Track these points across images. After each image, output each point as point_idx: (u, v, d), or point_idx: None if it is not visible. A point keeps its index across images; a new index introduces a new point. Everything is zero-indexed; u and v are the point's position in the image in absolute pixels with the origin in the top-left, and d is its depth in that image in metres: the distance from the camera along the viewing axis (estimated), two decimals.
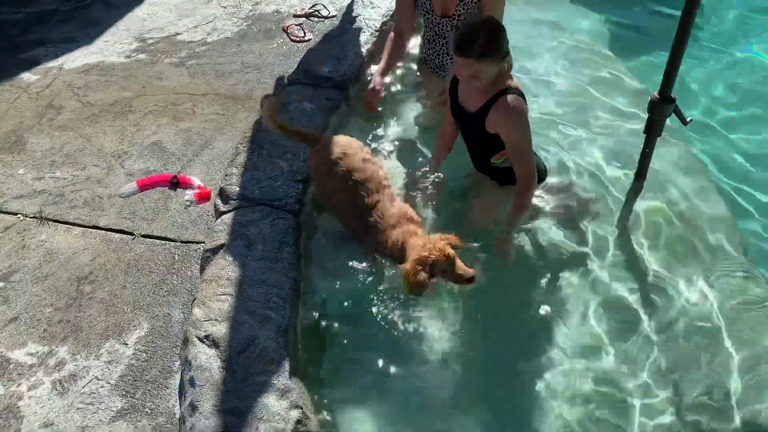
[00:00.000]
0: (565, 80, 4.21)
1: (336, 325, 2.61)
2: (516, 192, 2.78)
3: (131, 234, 3.08)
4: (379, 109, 3.59)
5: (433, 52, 3.53)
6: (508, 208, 2.81)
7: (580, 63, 4.41)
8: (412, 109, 3.85)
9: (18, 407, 2.37)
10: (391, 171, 3.23)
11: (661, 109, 2.65)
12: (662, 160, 3.36)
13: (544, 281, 2.85)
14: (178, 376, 2.41)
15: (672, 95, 2.64)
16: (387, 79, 3.74)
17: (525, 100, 2.63)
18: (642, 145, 2.90)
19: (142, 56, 4.55)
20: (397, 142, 3.56)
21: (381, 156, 3.45)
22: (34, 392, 2.42)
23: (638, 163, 2.96)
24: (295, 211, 2.90)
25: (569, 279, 2.86)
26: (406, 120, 3.81)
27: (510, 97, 2.57)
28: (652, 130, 2.78)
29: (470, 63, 2.48)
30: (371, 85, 3.45)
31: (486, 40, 2.47)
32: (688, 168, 3.42)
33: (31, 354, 2.56)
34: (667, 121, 2.75)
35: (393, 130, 3.71)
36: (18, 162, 3.62)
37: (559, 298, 2.78)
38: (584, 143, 3.65)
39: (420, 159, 3.41)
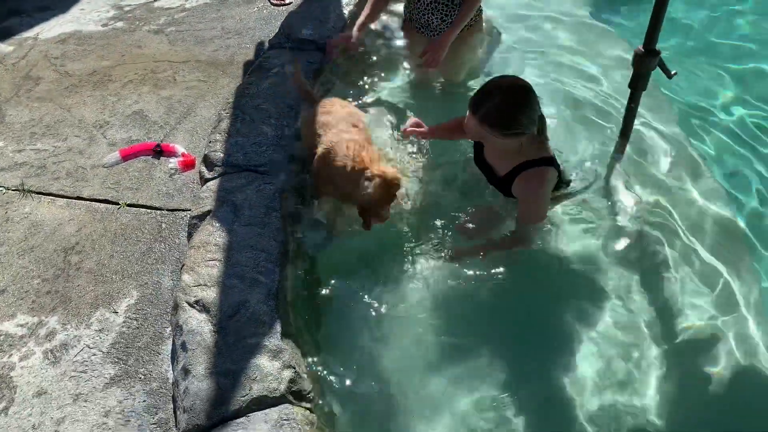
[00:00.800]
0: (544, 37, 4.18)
1: (329, 285, 2.62)
2: (503, 239, 2.67)
3: (116, 204, 3.05)
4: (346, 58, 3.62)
5: (418, 10, 3.45)
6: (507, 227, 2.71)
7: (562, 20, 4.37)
8: (395, 71, 3.81)
9: (11, 377, 2.37)
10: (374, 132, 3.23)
11: (646, 62, 2.63)
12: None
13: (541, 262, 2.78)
14: (169, 342, 2.42)
15: (656, 48, 2.62)
16: (369, 40, 3.71)
17: (557, 170, 2.47)
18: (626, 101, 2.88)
19: (119, 24, 4.45)
20: (378, 105, 3.53)
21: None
22: (25, 362, 2.42)
23: (623, 119, 2.95)
24: (277, 175, 2.88)
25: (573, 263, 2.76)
26: (388, 82, 3.78)
27: (534, 173, 2.40)
28: (637, 85, 2.76)
29: (476, 124, 2.29)
30: (344, 33, 3.47)
31: (498, 108, 2.24)
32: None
33: (21, 325, 2.55)
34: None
35: (375, 91, 3.67)
36: None
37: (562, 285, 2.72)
38: (568, 102, 3.64)
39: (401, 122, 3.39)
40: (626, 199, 2.99)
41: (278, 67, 3.54)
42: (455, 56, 3.55)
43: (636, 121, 2.96)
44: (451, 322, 2.56)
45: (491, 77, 2.39)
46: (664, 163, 3.24)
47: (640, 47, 2.65)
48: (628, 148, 3.08)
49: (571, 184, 2.82)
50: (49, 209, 3.06)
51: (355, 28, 3.45)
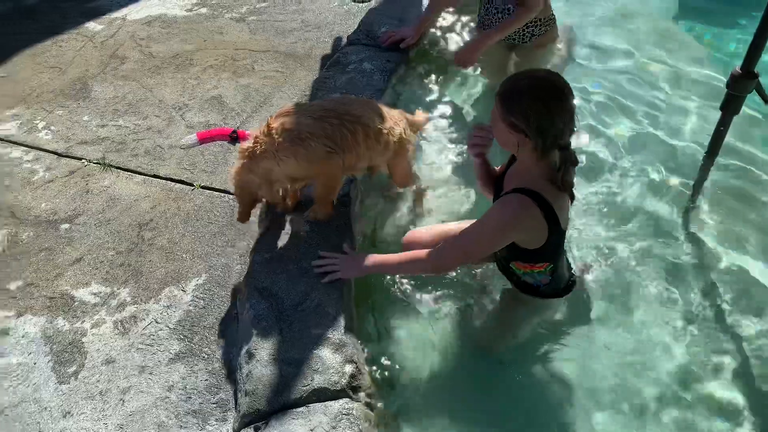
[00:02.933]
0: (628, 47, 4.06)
1: (391, 280, 2.61)
2: (409, 257, 2.25)
3: (191, 185, 3.13)
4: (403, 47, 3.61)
5: (490, 16, 3.39)
6: (526, 329, 2.47)
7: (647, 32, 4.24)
8: (466, 76, 3.78)
9: (82, 343, 2.47)
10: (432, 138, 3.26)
11: (743, 84, 2.52)
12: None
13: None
14: (234, 325, 2.46)
15: (755, 71, 2.51)
16: (444, 43, 3.75)
17: (540, 213, 1.97)
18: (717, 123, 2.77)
19: (203, 10, 4.57)
20: (445, 108, 3.53)
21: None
22: (96, 330, 2.51)
23: (711, 139, 2.84)
24: (353, 179, 2.89)
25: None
26: (459, 86, 3.76)
27: (511, 198, 2.00)
28: (730, 107, 2.65)
29: (499, 112, 1.98)
30: (402, 30, 3.51)
31: (516, 85, 1.93)
32: None
33: (95, 294, 2.65)
34: None
35: (446, 96, 3.65)
36: (83, 109, 3.70)
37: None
38: (652, 117, 3.53)
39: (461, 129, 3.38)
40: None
41: (356, 63, 3.56)
42: (523, 65, 3.50)
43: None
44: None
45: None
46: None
47: (738, 68, 2.55)
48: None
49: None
50: (127, 184, 3.17)
51: (414, 26, 3.53)
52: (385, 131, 2.46)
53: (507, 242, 2.09)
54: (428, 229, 2.63)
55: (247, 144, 2.34)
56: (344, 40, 3.99)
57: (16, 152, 3.43)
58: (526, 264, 2.20)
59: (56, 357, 2.42)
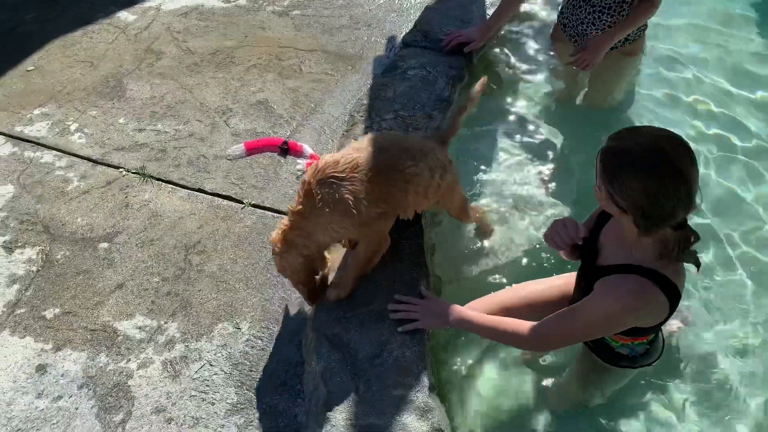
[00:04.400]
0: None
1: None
2: (504, 328, 1.94)
3: (240, 202, 2.87)
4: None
5: (575, 16, 3.06)
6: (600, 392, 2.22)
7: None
8: (536, 84, 3.49)
9: (128, 386, 2.23)
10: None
11: None
12: None
13: None
14: (299, 372, 2.22)
15: None
16: (511, 48, 3.46)
17: (664, 295, 1.66)
18: None
19: (242, 2, 4.26)
20: (513, 119, 3.25)
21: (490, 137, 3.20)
22: (144, 371, 2.27)
23: None
24: None
25: None
26: (527, 95, 3.47)
27: (631, 283, 1.67)
28: None
29: (598, 173, 1.65)
30: (468, 31, 3.27)
31: (622, 150, 1.57)
32: None
33: (140, 328, 2.41)
34: None
35: (513, 104, 3.37)
36: (118, 110, 3.43)
37: None
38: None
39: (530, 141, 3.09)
40: None
41: (416, 68, 3.27)
42: (599, 75, 3.19)
43: None
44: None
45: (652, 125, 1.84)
46: None
47: None
48: None
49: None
50: (170, 199, 2.91)
51: (481, 27, 3.26)
52: (436, 183, 2.16)
53: (623, 329, 1.81)
54: (485, 302, 2.27)
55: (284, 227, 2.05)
56: (398, 40, 3.69)
57: (48, 156, 3.18)
58: (627, 337, 1.91)
59: (100, 402, 2.19)
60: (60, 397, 2.20)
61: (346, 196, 1.94)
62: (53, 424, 2.13)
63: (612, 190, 1.59)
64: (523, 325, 1.88)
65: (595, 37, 2.93)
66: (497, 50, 3.63)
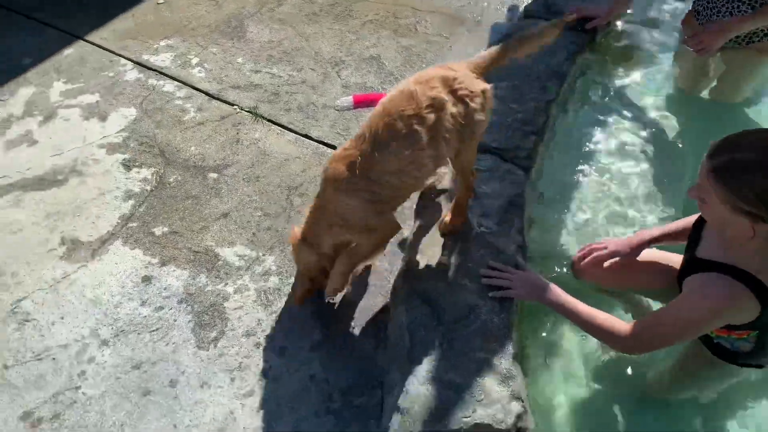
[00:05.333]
0: None
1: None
2: (602, 324, 1.92)
3: None
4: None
5: (710, 4, 2.83)
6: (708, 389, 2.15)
7: None
8: (662, 69, 3.31)
9: (224, 308, 2.36)
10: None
11: None
12: None
13: None
14: (381, 320, 2.27)
15: None
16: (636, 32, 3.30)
17: (756, 299, 1.62)
18: None
19: None
20: (630, 110, 3.10)
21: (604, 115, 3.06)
22: (239, 296, 2.40)
23: None
24: (526, 167, 2.58)
25: None
26: (649, 84, 3.30)
27: (719, 283, 1.66)
28: None
29: (705, 173, 1.60)
30: (597, 8, 3.18)
31: (740, 161, 1.54)
32: None
33: (239, 256, 2.53)
34: None
35: (630, 94, 3.22)
36: (237, 50, 3.56)
37: None
38: None
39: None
40: None
41: None
42: (731, 71, 2.97)
43: None
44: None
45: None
46: None
47: None
48: None
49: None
50: (278, 141, 3.01)
51: (609, 6, 3.17)
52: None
53: (714, 328, 1.78)
54: (610, 253, 2.26)
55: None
56: (520, 9, 3.59)
57: (169, 86, 3.35)
58: (722, 329, 1.84)
59: (197, 318, 2.33)
60: (161, 308, 2.36)
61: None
62: (153, 330, 2.30)
63: (744, 204, 1.54)
64: (619, 324, 1.86)
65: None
66: (622, 31, 3.47)
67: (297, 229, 2.17)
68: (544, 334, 2.28)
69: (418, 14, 3.72)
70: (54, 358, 2.23)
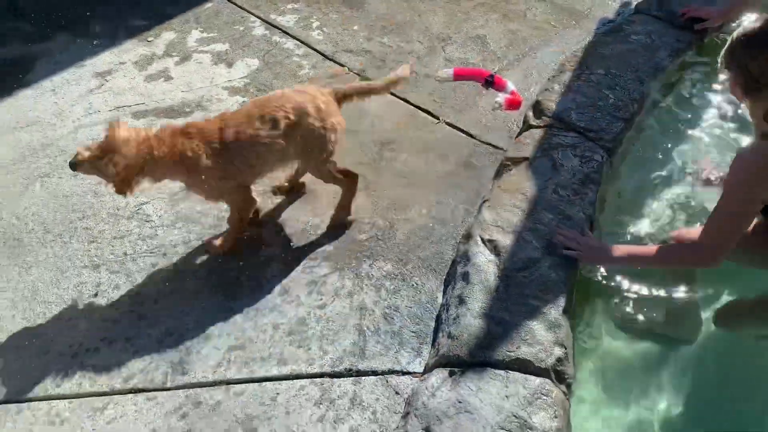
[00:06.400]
0: None
1: (614, 279, 2.43)
2: (671, 247, 2.20)
3: (436, 118, 3.14)
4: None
5: None
6: None
7: None
8: None
9: (310, 233, 2.65)
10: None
11: None
12: None
13: None
14: (448, 265, 2.47)
15: None
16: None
17: None
18: None
19: None
20: (728, 120, 3.08)
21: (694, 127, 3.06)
22: (324, 227, 2.67)
23: None
24: (609, 149, 2.69)
25: None
26: None
27: (751, 147, 1.97)
28: None
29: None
30: (709, 8, 3.20)
31: (746, 41, 1.92)
32: None
33: (332, 194, 2.81)
34: None
35: (726, 101, 3.18)
36: (355, 18, 3.86)
37: None
38: None
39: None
40: None
41: (641, 35, 3.25)
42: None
43: None
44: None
45: None
46: None
47: None
48: None
49: None
50: (378, 101, 3.25)
51: (723, 8, 3.18)
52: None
53: (759, 201, 1.93)
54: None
55: None
56: (632, 6, 3.65)
57: (290, 44, 3.70)
58: None
59: (286, 239, 2.63)
60: (260, 227, 2.68)
61: None
62: (246, 245, 2.62)
63: (744, 67, 1.87)
64: (687, 243, 2.11)
65: None
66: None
67: None
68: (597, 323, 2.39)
69: (529, 2, 3.86)
70: (164, 254, 2.60)
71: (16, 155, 3.08)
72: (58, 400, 2.15)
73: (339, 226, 2.63)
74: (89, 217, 2.76)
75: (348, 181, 2.58)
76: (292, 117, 2.32)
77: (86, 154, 2.21)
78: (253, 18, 3.90)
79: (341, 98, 2.51)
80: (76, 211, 2.79)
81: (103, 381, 2.19)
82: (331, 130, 2.40)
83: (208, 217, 2.73)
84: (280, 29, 3.80)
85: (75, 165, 2.22)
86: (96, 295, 2.46)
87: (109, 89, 3.43)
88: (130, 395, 2.15)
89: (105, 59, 3.64)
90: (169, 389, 2.15)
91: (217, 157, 2.29)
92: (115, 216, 2.76)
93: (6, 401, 2.15)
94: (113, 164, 2.17)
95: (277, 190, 2.80)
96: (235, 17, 3.92)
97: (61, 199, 2.84)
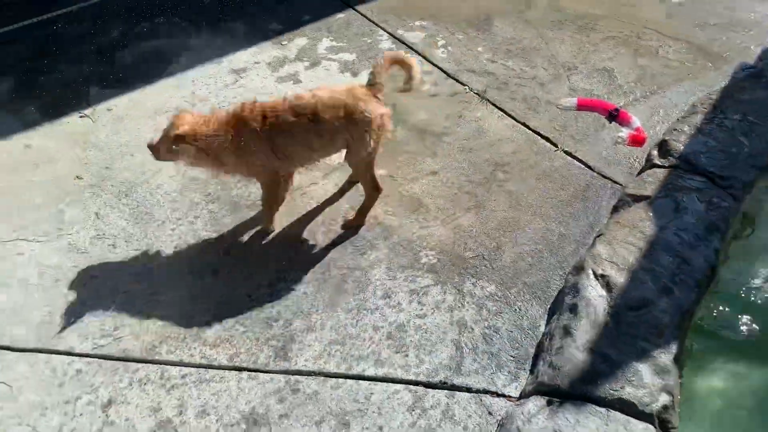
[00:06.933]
0: None
1: (734, 328, 2.30)
2: None
3: (555, 145, 3.12)
4: None
5: None
6: None
7: None
8: None
9: (416, 244, 2.70)
10: None
11: None
12: None
13: None
14: (552, 295, 2.44)
15: None
16: None
17: None
18: None
19: None
20: None
21: None
22: (432, 239, 2.71)
23: None
24: (739, 198, 2.56)
25: None
26: None
27: None
28: None
29: None
30: None
31: None
32: None
33: (439, 208, 2.86)
34: None
35: None
36: (480, 40, 3.90)
37: None
38: None
39: None
40: None
41: None
42: None
43: None
44: None
45: None
46: None
47: None
48: None
49: None
50: (497, 123, 3.29)
51: None
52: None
53: None
54: None
55: None
56: None
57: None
58: None
59: (392, 247, 2.69)
60: (368, 231, 2.76)
61: None
62: (356, 245, 2.71)
63: None
64: None
65: None
66: None
67: None
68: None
69: (663, 39, 3.76)
70: (279, 244, 2.74)
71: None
72: (170, 366, 2.31)
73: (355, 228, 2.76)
74: (213, 201, 2.95)
75: (372, 189, 2.71)
76: (331, 109, 2.44)
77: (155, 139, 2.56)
78: (381, 31, 4.04)
79: (375, 90, 2.56)
80: (202, 193, 2.99)
81: (212, 355, 2.33)
82: (369, 120, 2.48)
83: (323, 215, 2.85)
84: (406, 44, 3.91)
85: (151, 147, 2.58)
86: (216, 272, 2.63)
87: (243, 85, 3.66)
88: (235, 372, 2.27)
89: (242, 58, 3.89)
90: (270, 372, 2.26)
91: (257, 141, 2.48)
92: (236, 204, 2.94)
93: (124, 359, 2.34)
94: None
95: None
96: (365, 29, 4.07)
97: (189, 182, 3.06)
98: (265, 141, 2.48)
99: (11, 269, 2.70)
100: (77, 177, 3.12)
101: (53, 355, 2.37)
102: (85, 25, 4.20)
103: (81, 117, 3.49)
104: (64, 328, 2.45)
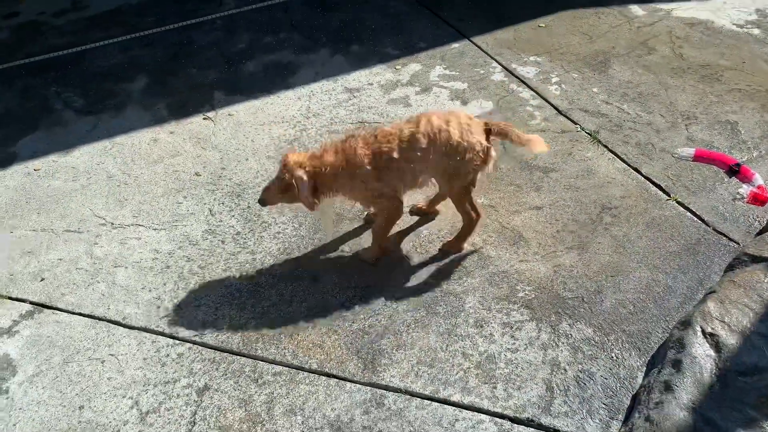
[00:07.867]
0: None
1: None
2: None
3: (667, 194, 3.01)
4: None
5: None
6: None
7: None
8: None
9: (514, 278, 2.67)
10: None
11: None
12: None
13: None
14: (649, 347, 2.34)
15: None
16: None
17: None
18: None
19: (755, 31, 4.19)
20: None
21: None
22: (529, 274, 2.68)
23: None
24: None
25: None
26: None
27: None
28: None
29: None
30: None
31: None
32: None
33: (540, 244, 2.82)
34: None
35: None
36: (595, 81, 3.85)
37: None
38: None
39: None
40: None
41: None
42: None
43: None
44: None
45: None
46: None
47: None
48: None
49: None
50: (607, 165, 3.22)
51: None
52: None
53: None
54: None
55: None
56: None
57: (526, 94, 3.79)
58: None
59: (489, 276, 2.68)
60: (464, 258, 2.77)
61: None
62: (453, 271, 2.72)
63: None
64: None
65: None
66: None
67: None
68: None
69: None
70: (390, 257, 2.80)
71: (270, 143, 3.52)
72: (264, 363, 2.39)
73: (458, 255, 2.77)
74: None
75: (472, 216, 2.70)
76: (434, 133, 2.47)
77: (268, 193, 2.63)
78: (494, 64, 4.07)
79: (489, 130, 2.56)
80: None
81: (304, 357, 2.40)
82: (470, 149, 2.46)
83: (419, 237, 2.88)
84: (518, 78, 3.92)
85: (262, 202, 2.64)
86: (315, 279, 2.72)
87: (355, 104, 3.79)
88: (324, 377, 2.32)
89: (356, 78, 4.04)
90: (358, 382, 2.29)
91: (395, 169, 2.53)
92: (340, 216, 3.03)
93: (222, 349, 2.45)
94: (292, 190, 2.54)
95: (414, 210, 2.97)
96: (478, 60, 4.12)
97: None
98: (406, 168, 2.53)
99: (129, 252, 2.91)
100: (196, 173, 3.33)
101: (159, 337, 2.52)
102: (216, 34, 4.50)
103: (204, 119, 3.73)
104: (170, 313, 2.60)
